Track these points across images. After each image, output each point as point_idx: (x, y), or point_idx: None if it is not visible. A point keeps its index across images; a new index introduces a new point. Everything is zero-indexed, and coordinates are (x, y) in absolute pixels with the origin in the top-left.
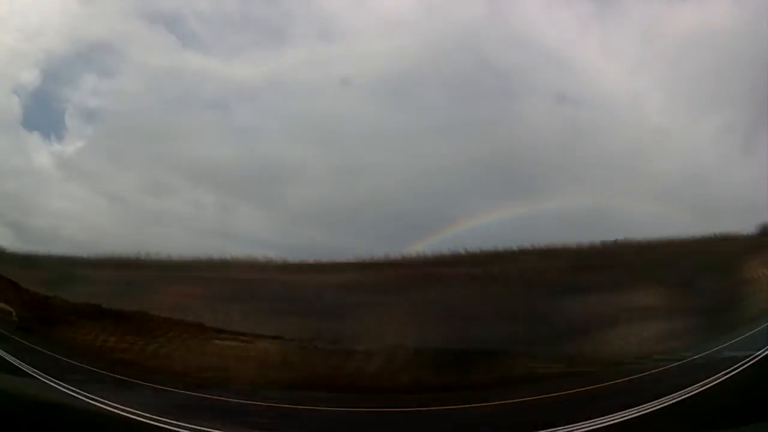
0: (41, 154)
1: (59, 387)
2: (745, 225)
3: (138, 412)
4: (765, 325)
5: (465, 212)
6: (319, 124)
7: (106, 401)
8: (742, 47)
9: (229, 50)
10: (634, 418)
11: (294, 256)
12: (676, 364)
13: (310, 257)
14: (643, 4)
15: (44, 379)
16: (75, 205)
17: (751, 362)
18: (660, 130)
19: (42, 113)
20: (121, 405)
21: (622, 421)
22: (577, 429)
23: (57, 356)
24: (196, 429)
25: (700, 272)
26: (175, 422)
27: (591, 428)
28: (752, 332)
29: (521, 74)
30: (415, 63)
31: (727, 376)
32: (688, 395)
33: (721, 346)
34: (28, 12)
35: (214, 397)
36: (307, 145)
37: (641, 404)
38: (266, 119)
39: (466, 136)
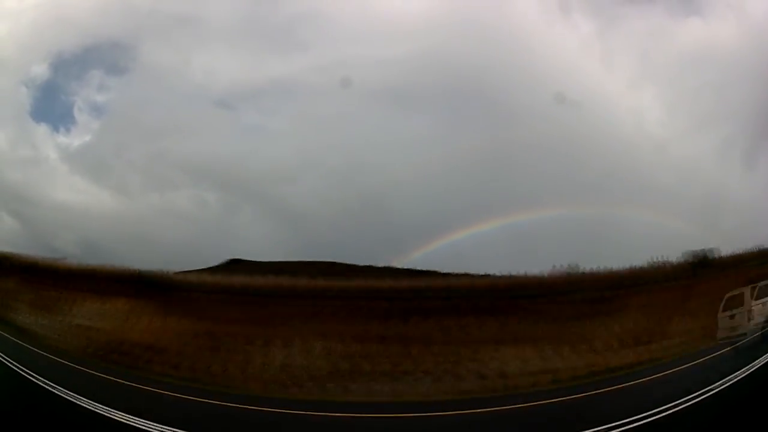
0: (48, 145)
1: None
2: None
3: None
4: None
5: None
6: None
7: None
8: (744, 62)
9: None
10: None
11: None
12: None
13: None
14: (644, 19)
15: None
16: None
17: None
18: (660, 142)
19: (51, 106)
20: None
21: None
22: None
23: None
24: None
25: None
26: None
27: None
28: None
29: (521, 83)
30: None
31: None
32: None
33: None
34: (39, 6)
35: None
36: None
37: None
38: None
39: (465, 141)
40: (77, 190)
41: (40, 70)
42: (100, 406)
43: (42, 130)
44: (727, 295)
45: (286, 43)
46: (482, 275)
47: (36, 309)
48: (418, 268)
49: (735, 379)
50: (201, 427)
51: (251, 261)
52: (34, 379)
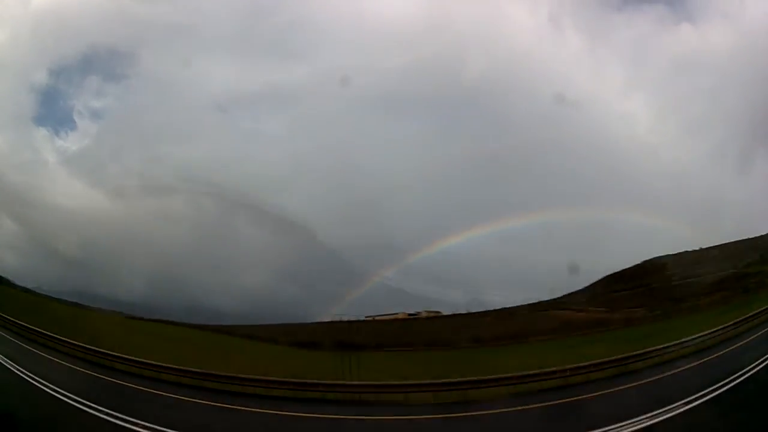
0: (48, 149)
1: None
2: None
3: None
4: None
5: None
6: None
7: None
8: (734, 68)
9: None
10: None
11: None
12: None
13: None
14: (636, 27)
15: None
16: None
17: None
18: (651, 147)
19: (51, 111)
20: None
21: None
22: None
23: None
24: None
25: None
26: None
27: None
28: None
29: (514, 92)
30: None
31: None
32: None
33: None
34: (40, 14)
35: None
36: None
37: None
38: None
39: (465, 144)
40: (75, 193)
41: (41, 76)
42: None
43: (42, 134)
44: None
45: (283, 50)
46: None
47: None
48: None
49: None
50: None
51: None
52: None
